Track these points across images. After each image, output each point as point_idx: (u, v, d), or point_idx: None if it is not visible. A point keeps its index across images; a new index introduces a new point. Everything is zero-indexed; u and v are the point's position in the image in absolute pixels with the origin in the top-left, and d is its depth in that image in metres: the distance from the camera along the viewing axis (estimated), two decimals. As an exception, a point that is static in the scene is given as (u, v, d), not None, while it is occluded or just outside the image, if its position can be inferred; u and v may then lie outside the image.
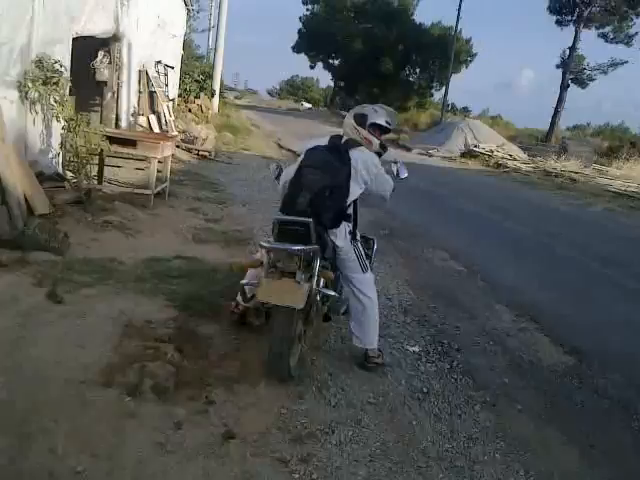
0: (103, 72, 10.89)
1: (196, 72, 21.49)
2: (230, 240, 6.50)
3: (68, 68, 7.38)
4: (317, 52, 44.85)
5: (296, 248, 3.33)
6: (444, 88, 37.12)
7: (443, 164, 19.96)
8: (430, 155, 22.28)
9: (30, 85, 6.15)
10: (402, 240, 7.82)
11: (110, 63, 10.93)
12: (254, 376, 3.50)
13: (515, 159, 22.30)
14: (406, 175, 4.11)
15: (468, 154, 22.64)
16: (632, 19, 36.08)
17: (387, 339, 4.42)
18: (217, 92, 23.17)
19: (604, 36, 37.26)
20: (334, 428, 3.12)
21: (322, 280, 3.59)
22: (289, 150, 16.61)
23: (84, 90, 12.22)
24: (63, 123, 6.63)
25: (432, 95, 45.16)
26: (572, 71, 37.04)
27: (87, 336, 3.76)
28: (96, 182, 7.26)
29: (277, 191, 3.92)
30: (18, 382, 3.11)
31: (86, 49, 10.63)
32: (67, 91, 6.69)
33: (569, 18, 37.29)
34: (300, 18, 44.30)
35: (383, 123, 3.77)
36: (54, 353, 3.49)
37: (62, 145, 6.71)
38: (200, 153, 12.79)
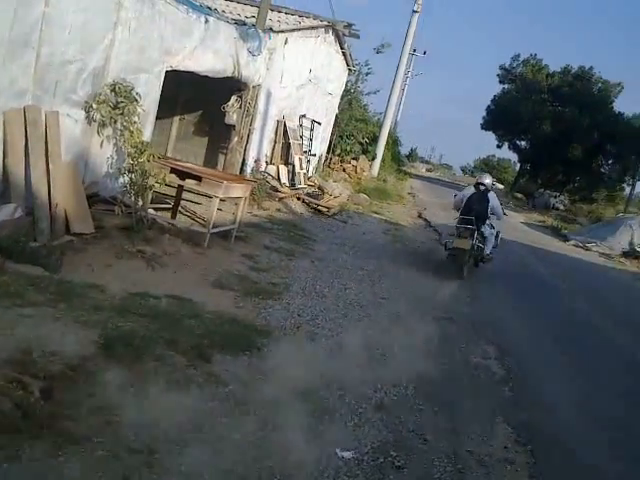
0: (232, 116, 11.15)
1: (360, 135, 21.64)
2: (253, 291, 5.91)
3: (157, 98, 7.51)
4: (505, 131, 43.34)
5: (467, 227, 8.78)
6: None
7: (594, 260, 16.89)
8: (587, 249, 19.23)
9: (95, 107, 6.25)
10: (463, 327, 6.57)
11: (240, 108, 11.18)
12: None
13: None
14: (504, 215, 10.12)
15: (632, 255, 19.17)
16: None
17: (326, 439, 3.48)
18: (379, 157, 23.17)
19: None
20: None
21: (478, 241, 8.94)
22: (426, 221, 15.67)
23: (216, 132, 12.75)
24: (129, 149, 6.67)
25: (623, 189, 40.89)
26: None
27: (-27, 355, 3.43)
28: (153, 211, 7.19)
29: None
30: None
31: (222, 92, 11.04)
32: (139, 119, 6.72)
33: None
34: (494, 96, 43.54)
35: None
36: None
37: (123, 171, 6.70)
38: (318, 208, 12.50)
